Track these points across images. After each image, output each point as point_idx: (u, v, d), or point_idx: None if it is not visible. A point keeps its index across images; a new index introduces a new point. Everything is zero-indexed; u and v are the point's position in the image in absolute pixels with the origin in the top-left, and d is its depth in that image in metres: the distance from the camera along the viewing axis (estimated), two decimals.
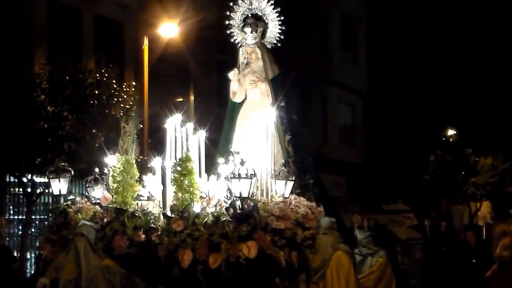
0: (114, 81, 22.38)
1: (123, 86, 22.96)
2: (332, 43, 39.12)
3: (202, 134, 11.24)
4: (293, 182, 10.83)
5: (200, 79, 30.70)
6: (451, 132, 40.01)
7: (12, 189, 24.96)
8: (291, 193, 11.33)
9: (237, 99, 12.82)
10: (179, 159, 10.53)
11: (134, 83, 24.50)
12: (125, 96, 22.56)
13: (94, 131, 21.54)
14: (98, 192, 11.09)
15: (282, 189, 10.68)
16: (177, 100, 28.42)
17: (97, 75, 22.20)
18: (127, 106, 22.28)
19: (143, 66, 24.81)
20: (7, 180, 23.85)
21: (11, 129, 20.39)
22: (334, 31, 39.13)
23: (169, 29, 25.76)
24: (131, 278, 10.00)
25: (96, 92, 21.75)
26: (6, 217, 24.81)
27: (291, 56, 34.13)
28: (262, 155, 11.29)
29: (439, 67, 42.07)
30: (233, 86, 12.74)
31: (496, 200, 38.33)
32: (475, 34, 43.67)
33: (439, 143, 38.92)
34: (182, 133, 11.17)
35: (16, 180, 22.78)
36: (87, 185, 11.27)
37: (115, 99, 22.18)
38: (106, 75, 22.22)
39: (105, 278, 9.90)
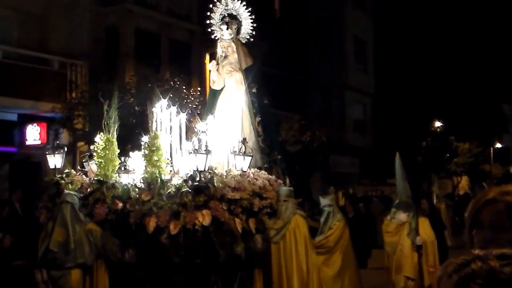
0: (184, 88, 20.29)
1: (191, 92, 20.67)
2: (348, 57, 37.79)
3: (183, 116, 9.31)
4: (251, 157, 8.93)
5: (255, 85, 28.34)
6: (438, 124, 39.02)
7: None
8: (260, 167, 9.56)
9: (216, 86, 10.81)
10: (148, 136, 8.59)
11: (199, 89, 22.47)
12: (192, 99, 20.04)
13: None
14: (93, 166, 9.13)
15: (241, 163, 8.73)
16: None
17: (171, 83, 19.97)
18: (193, 107, 20.10)
19: (205, 76, 23.26)
20: None
21: None
22: (349, 48, 37.88)
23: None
24: (108, 239, 8.22)
25: (171, 95, 19.36)
26: None
27: (317, 67, 33.54)
28: (235, 134, 9.55)
29: (429, 74, 40.99)
30: (213, 76, 10.81)
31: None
32: (459, 46, 42.89)
33: (429, 132, 38.27)
34: (167, 115, 9.25)
35: None
36: (83, 160, 9.45)
37: (185, 101, 19.89)
38: (178, 83, 19.99)
39: (88, 240, 8.21)
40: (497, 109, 47.90)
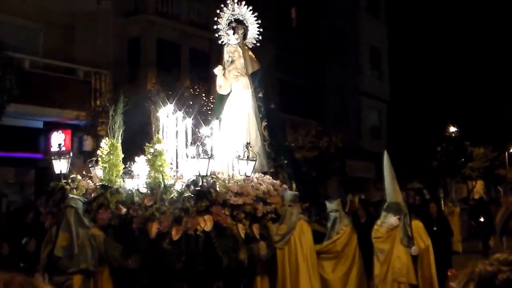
0: (203, 95, 19.97)
1: (210, 98, 20.21)
2: (364, 65, 37.19)
3: (189, 121, 8.90)
4: (254, 162, 8.47)
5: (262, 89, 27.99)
6: (453, 129, 38.02)
7: None
8: (266, 172, 9.13)
9: (222, 91, 10.34)
10: (151, 141, 8.16)
11: None
12: (211, 106, 19.89)
13: None
14: (99, 171, 8.72)
15: (244, 168, 8.28)
16: None
17: (191, 90, 19.84)
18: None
19: None
20: None
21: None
22: (364, 57, 37.28)
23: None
24: (111, 244, 7.82)
25: (191, 102, 19.09)
26: None
27: (333, 75, 33.23)
28: (241, 138, 9.08)
29: (444, 80, 40.31)
30: (219, 80, 10.32)
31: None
32: (473, 51, 41.82)
33: (444, 138, 37.09)
34: (173, 120, 8.85)
35: None
36: (90, 165, 8.90)
37: (205, 108, 19.64)
38: (198, 90, 19.90)
39: (91, 244, 7.81)
40: None
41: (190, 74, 23.29)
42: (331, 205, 9.07)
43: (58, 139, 20.47)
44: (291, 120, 29.43)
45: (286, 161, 9.66)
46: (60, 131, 20.63)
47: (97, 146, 19.04)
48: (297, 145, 24.31)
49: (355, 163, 32.25)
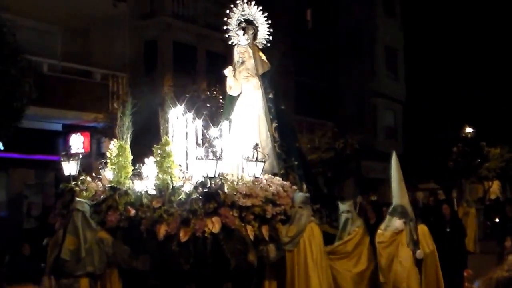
0: (220, 97, 19.41)
1: None
2: (379, 66, 36.76)
3: (199, 122, 8.65)
4: (263, 163, 8.16)
5: (281, 93, 27.88)
6: (469, 129, 37.08)
7: None
8: (276, 173, 8.94)
9: (233, 92, 10.10)
10: (160, 143, 7.97)
11: None
12: None
13: None
14: (108, 173, 8.47)
15: (253, 169, 8.02)
16: None
17: (208, 92, 19.58)
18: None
19: None
20: None
21: None
22: (380, 57, 36.80)
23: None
24: (119, 247, 7.64)
25: (208, 105, 18.93)
26: None
27: (349, 76, 32.96)
28: (252, 140, 8.78)
29: (459, 81, 39.46)
30: (229, 81, 10.11)
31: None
32: (489, 52, 41.10)
33: (460, 138, 36.25)
34: (183, 122, 8.64)
35: None
36: (100, 167, 8.66)
37: (221, 111, 19.46)
38: (215, 93, 19.46)
39: (100, 248, 7.61)
40: None
41: (207, 76, 23.15)
42: (343, 206, 8.83)
43: (77, 141, 20.52)
44: (308, 121, 29.28)
45: (296, 162, 9.43)
46: (78, 133, 20.65)
47: None
48: (313, 146, 24.15)
49: (371, 164, 31.92)
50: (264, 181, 8.03)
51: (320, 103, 30.80)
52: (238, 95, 9.95)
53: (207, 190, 7.29)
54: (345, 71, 32.68)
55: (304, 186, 8.71)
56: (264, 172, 8.51)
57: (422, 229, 8.97)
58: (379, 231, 8.88)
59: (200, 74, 23.65)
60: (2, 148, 17.30)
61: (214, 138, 7.96)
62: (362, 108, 35.09)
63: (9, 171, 19.92)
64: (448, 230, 12.06)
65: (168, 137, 8.12)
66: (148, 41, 23.10)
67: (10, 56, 13.65)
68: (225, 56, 25.82)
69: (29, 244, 12.42)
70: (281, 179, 8.54)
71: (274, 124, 9.46)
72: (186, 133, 8.48)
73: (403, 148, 36.11)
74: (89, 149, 20.57)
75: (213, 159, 7.29)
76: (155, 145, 7.95)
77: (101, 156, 19.90)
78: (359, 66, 34.07)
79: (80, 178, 8.29)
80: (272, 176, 8.47)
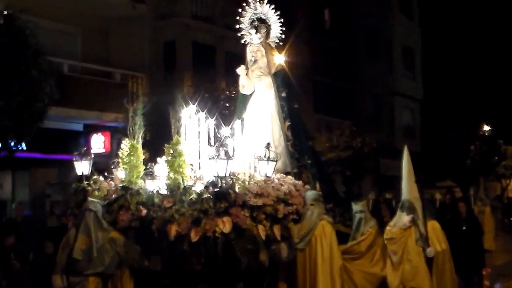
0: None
1: None
2: (397, 65, 36.43)
3: (211, 122, 8.54)
4: (275, 162, 8.02)
5: (299, 92, 27.84)
6: (486, 128, 36.50)
7: None
8: (289, 172, 8.79)
9: (245, 91, 9.99)
10: (171, 142, 7.88)
11: None
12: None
13: None
14: (121, 173, 8.41)
15: (265, 169, 7.87)
16: None
17: (227, 92, 19.55)
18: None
19: None
20: None
21: None
22: (397, 55, 36.49)
23: (277, 58, 21.98)
24: (131, 247, 7.54)
25: (227, 104, 18.91)
26: None
27: (367, 75, 32.80)
28: (265, 139, 8.68)
29: (476, 79, 39.58)
30: (242, 80, 10.05)
31: None
32: (506, 50, 40.76)
33: (478, 136, 35.80)
34: (195, 121, 8.52)
35: None
36: (112, 166, 8.57)
37: None
38: (234, 93, 19.04)
39: (112, 248, 7.49)
40: None
41: (226, 76, 23.10)
42: (356, 206, 8.60)
43: (98, 141, 20.60)
44: (326, 120, 29.17)
45: (309, 161, 9.26)
46: (99, 133, 20.71)
47: None
48: (331, 145, 24.06)
49: (389, 162, 31.60)
50: (276, 181, 7.89)
51: (338, 102, 30.64)
52: (251, 94, 9.83)
53: (217, 189, 7.19)
54: (363, 70, 32.51)
55: (317, 185, 8.57)
56: (277, 171, 8.40)
57: (434, 226, 8.59)
58: (387, 228, 8.65)
59: (219, 74, 23.59)
60: (25, 148, 17.42)
61: (225, 137, 7.88)
62: (380, 107, 34.86)
63: (32, 171, 20.06)
64: (464, 228, 11.78)
65: (180, 137, 8.00)
66: (167, 41, 23.03)
67: (32, 58, 13.72)
68: (243, 56, 25.85)
69: (52, 242, 12.43)
70: (293, 178, 8.40)
71: (287, 123, 9.31)
72: (199, 132, 8.37)
73: (421, 146, 36.07)
74: (109, 148, 20.59)
75: (224, 159, 7.19)
76: (166, 145, 7.87)
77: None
78: (377, 66, 33.93)
79: (93, 178, 8.22)
80: (284, 175, 8.33)
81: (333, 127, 26.99)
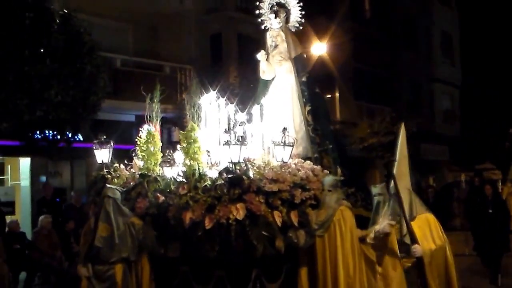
0: None
1: None
2: (435, 51, 36.20)
3: (231, 107, 8.28)
4: (291, 147, 7.61)
5: (341, 80, 27.87)
6: None
7: None
8: (309, 157, 8.38)
9: (266, 76, 9.52)
10: (186, 129, 7.64)
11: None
12: None
13: None
14: (136, 161, 8.31)
15: (281, 154, 7.49)
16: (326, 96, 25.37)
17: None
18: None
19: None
20: None
21: None
22: (436, 42, 36.28)
23: (319, 47, 21.95)
24: (149, 232, 7.29)
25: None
26: None
27: (406, 62, 32.64)
28: (286, 123, 8.27)
29: None
30: (262, 66, 9.59)
31: None
32: None
33: None
34: (215, 107, 8.29)
35: None
36: (133, 154, 8.35)
37: None
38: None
39: (131, 233, 7.22)
40: None
41: None
42: (375, 189, 7.67)
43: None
44: (367, 107, 29.13)
45: (331, 146, 8.80)
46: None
47: None
48: (372, 131, 24.14)
49: (429, 147, 31.46)
50: (293, 166, 7.46)
51: (378, 89, 30.26)
52: (272, 80, 9.39)
53: (231, 175, 6.81)
54: (402, 57, 31.99)
55: (339, 170, 8.18)
56: (297, 156, 8.03)
57: (428, 219, 7.34)
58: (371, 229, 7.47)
59: None
60: (81, 139, 18.01)
61: (240, 123, 7.56)
62: (419, 93, 34.39)
63: (88, 160, 20.70)
64: (490, 211, 11.44)
65: (196, 123, 7.70)
66: (213, 34, 23.26)
67: (86, 54, 14.15)
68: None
69: None
70: (312, 163, 7.93)
71: (308, 108, 8.89)
72: (219, 119, 8.05)
73: (461, 131, 35.67)
74: (160, 138, 21.06)
75: (237, 144, 6.84)
76: (181, 131, 7.63)
77: (171, 144, 20.46)
78: (416, 52, 33.51)
79: (113, 166, 8.04)
80: (302, 160, 7.87)
81: (374, 114, 27.04)
